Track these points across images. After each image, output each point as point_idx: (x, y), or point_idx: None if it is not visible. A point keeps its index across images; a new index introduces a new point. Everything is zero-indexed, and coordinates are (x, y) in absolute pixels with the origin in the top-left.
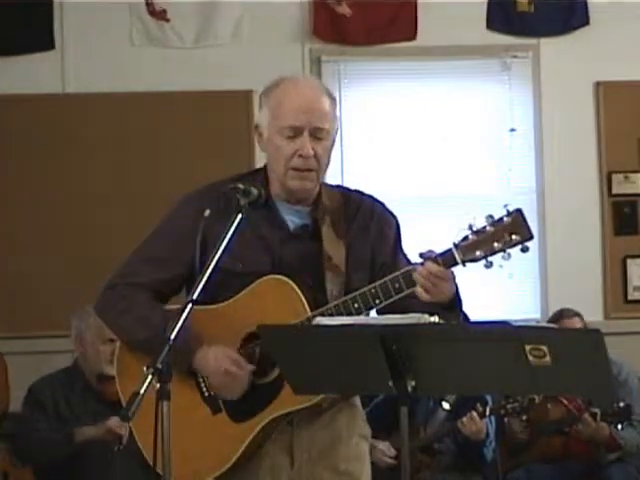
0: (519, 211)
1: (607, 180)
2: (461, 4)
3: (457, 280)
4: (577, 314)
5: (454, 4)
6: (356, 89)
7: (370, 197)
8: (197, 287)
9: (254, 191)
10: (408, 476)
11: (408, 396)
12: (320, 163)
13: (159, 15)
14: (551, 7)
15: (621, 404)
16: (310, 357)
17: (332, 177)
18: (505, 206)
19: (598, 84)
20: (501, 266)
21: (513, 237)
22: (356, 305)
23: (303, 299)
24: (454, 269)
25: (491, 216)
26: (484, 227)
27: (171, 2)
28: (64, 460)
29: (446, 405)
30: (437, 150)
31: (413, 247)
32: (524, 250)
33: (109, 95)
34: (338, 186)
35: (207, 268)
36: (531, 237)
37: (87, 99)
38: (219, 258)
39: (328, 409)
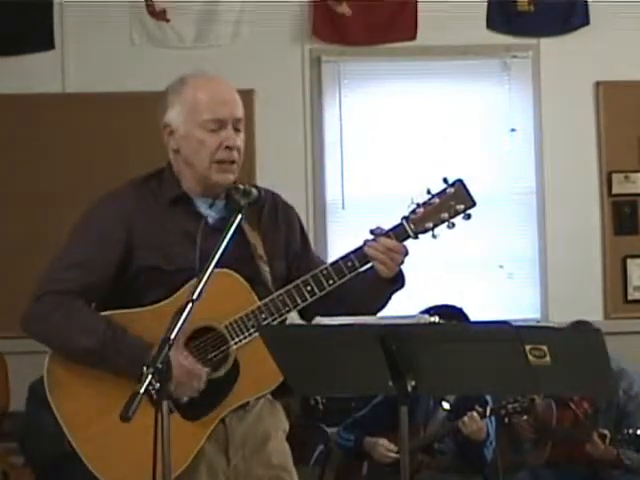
0: (460, 181)
1: (607, 180)
2: (461, 4)
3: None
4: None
5: (454, 4)
6: (356, 89)
7: (267, 190)
8: (197, 286)
9: (254, 191)
10: (408, 476)
11: (408, 396)
12: (240, 156)
13: (159, 15)
14: (551, 7)
15: (630, 431)
16: (310, 357)
17: (332, 177)
18: (444, 178)
19: (598, 84)
20: (502, 266)
21: (458, 206)
22: (309, 288)
23: (249, 288)
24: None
25: (430, 190)
26: (430, 199)
27: (171, 2)
28: (63, 460)
29: (446, 405)
30: (437, 150)
31: (414, 247)
32: (467, 217)
33: (109, 95)
34: (234, 182)
35: (207, 268)
36: (474, 204)
37: (87, 99)
38: (219, 259)
39: (254, 404)
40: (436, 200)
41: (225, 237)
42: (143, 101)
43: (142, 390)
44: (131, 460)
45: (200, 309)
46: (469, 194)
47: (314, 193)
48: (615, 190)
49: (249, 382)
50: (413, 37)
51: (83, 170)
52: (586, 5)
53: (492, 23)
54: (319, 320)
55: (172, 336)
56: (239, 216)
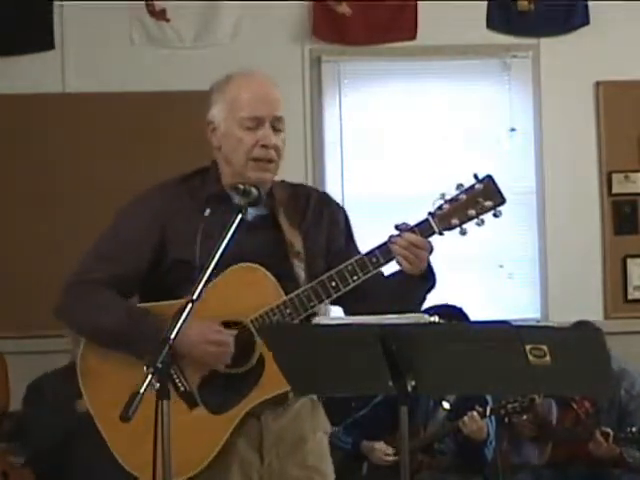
0: (490, 177)
1: (607, 180)
2: (461, 4)
3: (451, 265)
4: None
5: (454, 4)
6: (356, 89)
7: (316, 189)
8: (198, 286)
9: (254, 191)
10: (408, 476)
11: (408, 396)
12: (279, 154)
13: (159, 15)
14: (551, 7)
15: (634, 429)
16: (310, 357)
17: (332, 177)
18: (475, 174)
19: (598, 84)
20: (501, 266)
21: (486, 203)
22: (333, 283)
23: (276, 283)
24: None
25: (462, 184)
26: (457, 195)
27: (171, 2)
28: (62, 459)
29: (446, 405)
30: (437, 150)
31: None
32: (496, 215)
33: (109, 95)
34: (282, 180)
35: (207, 268)
36: (503, 201)
37: (87, 99)
38: (219, 258)
39: (293, 403)
40: (463, 196)
41: (226, 236)
42: (143, 101)
43: (142, 390)
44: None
45: (227, 303)
46: (499, 190)
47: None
48: (615, 190)
49: (274, 377)
50: (413, 37)
51: (83, 170)
52: (586, 5)
53: (492, 23)
54: (319, 320)
55: (172, 336)
56: (239, 216)
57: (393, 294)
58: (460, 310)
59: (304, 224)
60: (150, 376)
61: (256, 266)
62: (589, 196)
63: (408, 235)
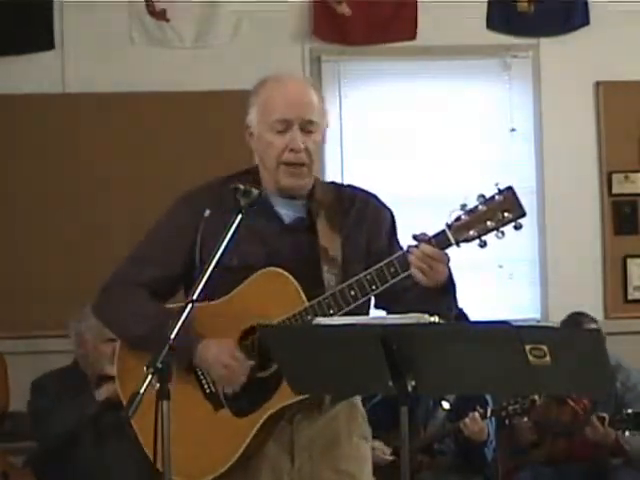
0: (511, 189)
1: (607, 180)
2: (461, 4)
3: (451, 265)
4: (594, 319)
5: (454, 4)
6: (356, 89)
7: (363, 191)
8: (197, 287)
9: (254, 191)
10: (408, 476)
11: (408, 396)
12: (311, 157)
13: (159, 15)
14: (551, 7)
15: (630, 411)
16: (310, 357)
17: (332, 177)
18: (496, 184)
19: (598, 84)
20: (501, 266)
21: (506, 215)
22: (352, 292)
23: (300, 290)
24: (449, 251)
25: (483, 195)
26: (476, 206)
27: (171, 2)
28: (61, 459)
29: (446, 405)
30: (437, 150)
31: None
32: (517, 228)
33: (109, 95)
34: (331, 182)
35: (207, 268)
36: (523, 214)
37: (87, 99)
38: (219, 258)
39: (329, 408)
40: (483, 208)
41: (225, 237)
42: (143, 101)
43: (142, 390)
44: (184, 452)
45: (251, 308)
46: (519, 203)
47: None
48: (615, 190)
49: None
50: (413, 37)
51: (83, 170)
52: (586, 5)
53: (492, 23)
54: (319, 320)
55: (172, 336)
56: (239, 216)
57: (418, 302)
58: (460, 310)
59: (345, 228)
60: (150, 376)
61: (281, 271)
62: (589, 196)
63: (424, 246)
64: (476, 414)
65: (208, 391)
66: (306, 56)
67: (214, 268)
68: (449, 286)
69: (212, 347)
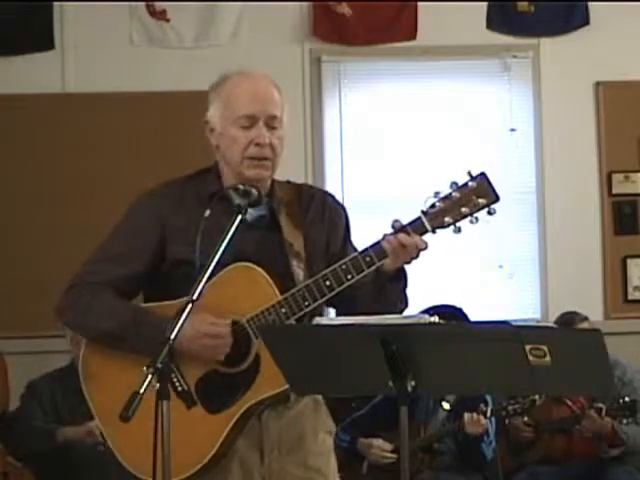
0: (483, 175)
1: (607, 180)
2: (461, 4)
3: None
4: (586, 318)
5: (454, 4)
6: (356, 89)
7: (320, 189)
8: (198, 286)
9: (254, 192)
10: (408, 476)
11: (408, 396)
12: (275, 152)
13: (159, 15)
14: (551, 7)
15: (627, 399)
16: (310, 357)
17: (332, 177)
18: (468, 171)
19: (598, 84)
20: (501, 266)
21: (479, 201)
22: (328, 283)
23: (272, 283)
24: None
25: (455, 182)
26: (450, 193)
27: (171, 2)
28: (61, 458)
29: (446, 405)
30: (437, 150)
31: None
32: (490, 213)
33: (109, 95)
34: (287, 181)
35: (207, 268)
36: (497, 199)
37: (87, 99)
38: (219, 258)
39: (295, 403)
40: (457, 194)
41: (226, 236)
42: (143, 101)
43: (142, 390)
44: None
45: (224, 302)
46: (492, 188)
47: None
48: (615, 190)
49: (270, 377)
50: (413, 37)
51: (83, 170)
52: (586, 5)
53: (492, 23)
54: (319, 320)
55: (172, 336)
56: (239, 217)
57: (373, 298)
58: (460, 310)
59: (306, 224)
60: (150, 376)
61: (252, 265)
62: (589, 196)
63: (401, 235)
64: (480, 415)
65: (180, 389)
66: (306, 56)
67: (175, 262)
68: (402, 273)
69: (188, 322)
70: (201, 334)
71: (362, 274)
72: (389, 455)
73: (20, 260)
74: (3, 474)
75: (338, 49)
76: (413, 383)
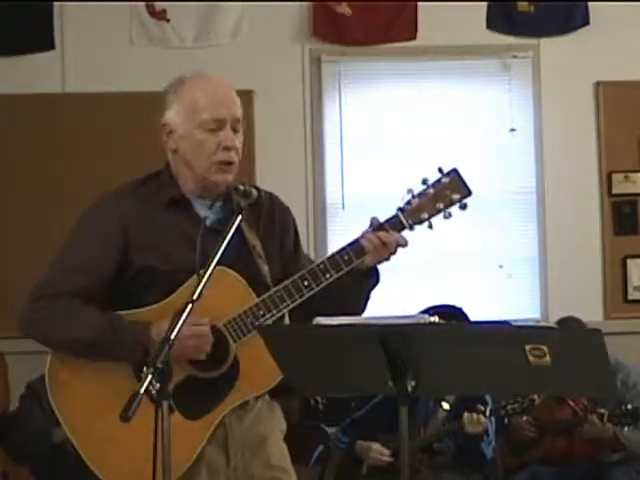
0: (455, 171)
1: (607, 180)
2: (461, 4)
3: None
4: (583, 323)
5: (454, 4)
6: (356, 89)
7: (266, 191)
8: (197, 288)
9: (254, 192)
10: (408, 476)
11: (408, 396)
12: (238, 157)
13: (159, 15)
14: (551, 7)
15: (629, 406)
16: (310, 357)
17: (332, 177)
18: (439, 168)
19: (598, 84)
20: (501, 266)
21: (453, 196)
22: (306, 282)
23: (246, 286)
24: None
25: (427, 179)
26: (425, 190)
27: (171, 2)
28: (60, 459)
29: (446, 405)
30: (437, 150)
31: (413, 245)
32: (462, 207)
33: (109, 95)
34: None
35: (207, 269)
36: (470, 193)
37: (87, 99)
38: (218, 260)
39: (253, 405)
40: (431, 190)
41: (225, 238)
42: (143, 101)
43: (142, 390)
44: (132, 461)
45: (199, 307)
46: (464, 183)
47: (314, 193)
48: (615, 190)
49: (249, 380)
50: (413, 37)
51: (83, 170)
52: (586, 5)
53: (492, 23)
54: (319, 320)
55: (172, 336)
56: (239, 217)
57: (342, 295)
58: (460, 310)
59: (259, 227)
60: (150, 376)
61: (225, 269)
62: (589, 196)
63: (380, 233)
64: (480, 415)
65: (156, 397)
66: (306, 56)
67: (141, 270)
68: (375, 270)
69: (165, 325)
70: (186, 336)
71: (341, 272)
72: (386, 459)
73: (20, 260)
74: (3, 474)
75: (338, 49)
76: (413, 383)
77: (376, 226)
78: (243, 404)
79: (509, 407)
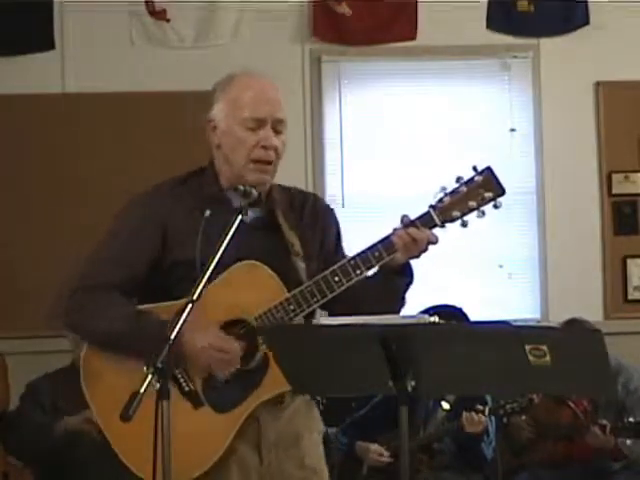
0: (489, 169)
1: (607, 180)
2: (461, 4)
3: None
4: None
5: (454, 4)
6: (356, 89)
7: (310, 192)
8: (198, 287)
9: (254, 192)
10: (408, 476)
11: (408, 396)
12: (278, 156)
13: (159, 15)
14: (551, 7)
15: (631, 419)
16: (310, 357)
17: (332, 177)
18: (474, 166)
19: (598, 84)
20: (501, 266)
21: (486, 194)
22: (336, 278)
23: (278, 280)
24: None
25: (461, 177)
26: (458, 188)
27: (171, 2)
28: (61, 458)
29: (446, 405)
30: (437, 150)
31: None
32: (496, 206)
33: (109, 95)
34: (278, 185)
35: (207, 268)
36: (503, 192)
37: (87, 99)
38: (220, 259)
39: (289, 404)
40: (464, 188)
41: (225, 238)
42: (143, 101)
43: (143, 390)
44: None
45: (230, 301)
46: (498, 182)
47: (314, 192)
48: (615, 190)
49: (277, 376)
50: (413, 37)
51: (83, 170)
52: (586, 5)
53: (492, 23)
54: (319, 320)
55: (172, 336)
56: (239, 217)
57: (377, 294)
58: (460, 310)
59: (300, 227)
60: (150, 376)
61: (258, 263)
62: (589, 196)
63: (411, 229)
64: (480, 415)
65: (187, 389)
66: (306, 56)
67: (177, 263)
68: (407, 269)
69: (197, 335)
70: (214, 349)
71: (371, 269)
72: (385, 460)
73: (20, 260)
74: (3, 474)
75: (338, 49)
76: (413, 383)
77: (407, 223)
78: (278, 402)
79: (507, 406)
